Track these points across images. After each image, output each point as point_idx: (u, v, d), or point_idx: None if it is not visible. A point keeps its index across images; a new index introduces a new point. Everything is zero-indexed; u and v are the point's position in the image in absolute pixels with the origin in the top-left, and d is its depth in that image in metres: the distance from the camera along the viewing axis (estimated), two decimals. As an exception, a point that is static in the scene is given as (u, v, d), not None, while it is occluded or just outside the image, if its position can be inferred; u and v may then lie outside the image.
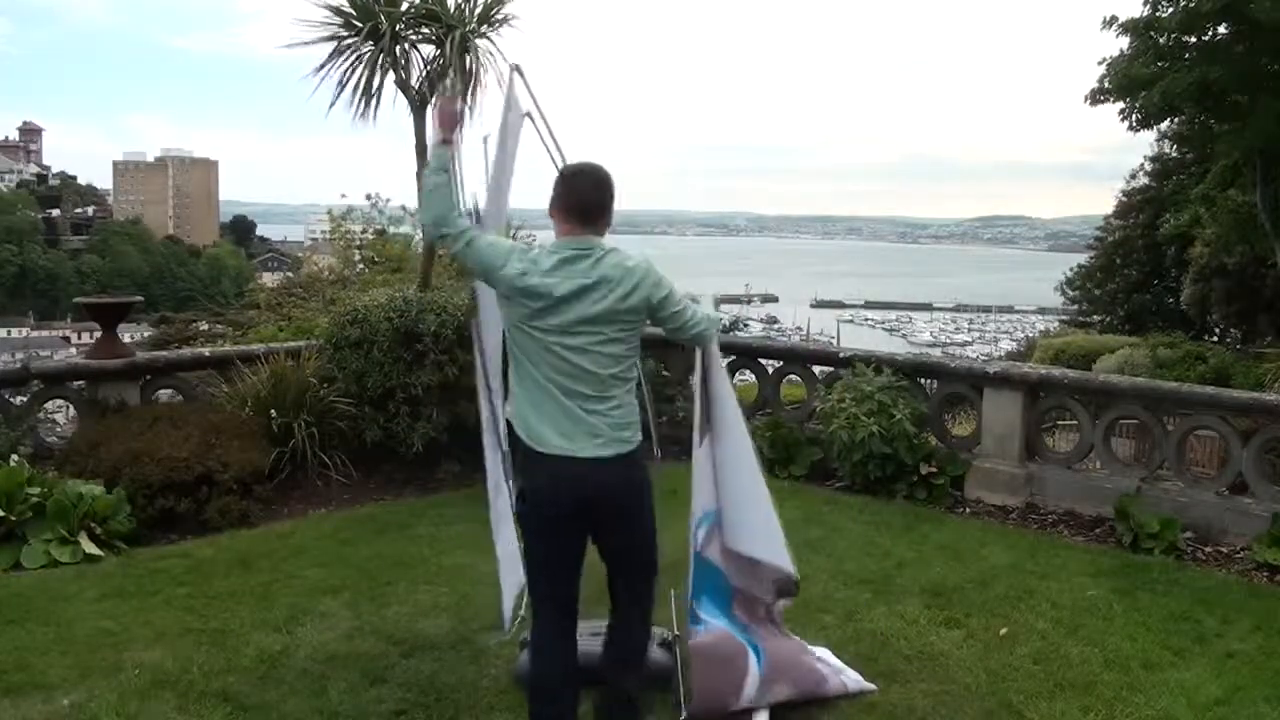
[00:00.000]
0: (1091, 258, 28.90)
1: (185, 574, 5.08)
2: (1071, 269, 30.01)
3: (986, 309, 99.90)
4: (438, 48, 6.78)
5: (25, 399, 6.67)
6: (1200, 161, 18.74)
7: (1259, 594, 5.15)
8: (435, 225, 3.28)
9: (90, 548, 5.27)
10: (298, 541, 5.63)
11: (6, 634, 4.34)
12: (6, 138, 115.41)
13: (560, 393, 3.09)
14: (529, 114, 3.76)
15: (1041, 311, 69.82)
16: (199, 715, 3.68)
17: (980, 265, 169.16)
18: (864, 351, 7.56)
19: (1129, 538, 5.82)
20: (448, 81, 3.28)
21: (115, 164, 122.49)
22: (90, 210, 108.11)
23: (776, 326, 74.06)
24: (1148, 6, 14.28)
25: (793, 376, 8.09)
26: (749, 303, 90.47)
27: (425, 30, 6.81)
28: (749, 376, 8.16)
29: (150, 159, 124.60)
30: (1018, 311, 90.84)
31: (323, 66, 6.67)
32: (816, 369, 7.83)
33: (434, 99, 3.43)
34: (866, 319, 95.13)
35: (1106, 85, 14.85)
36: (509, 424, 3.33)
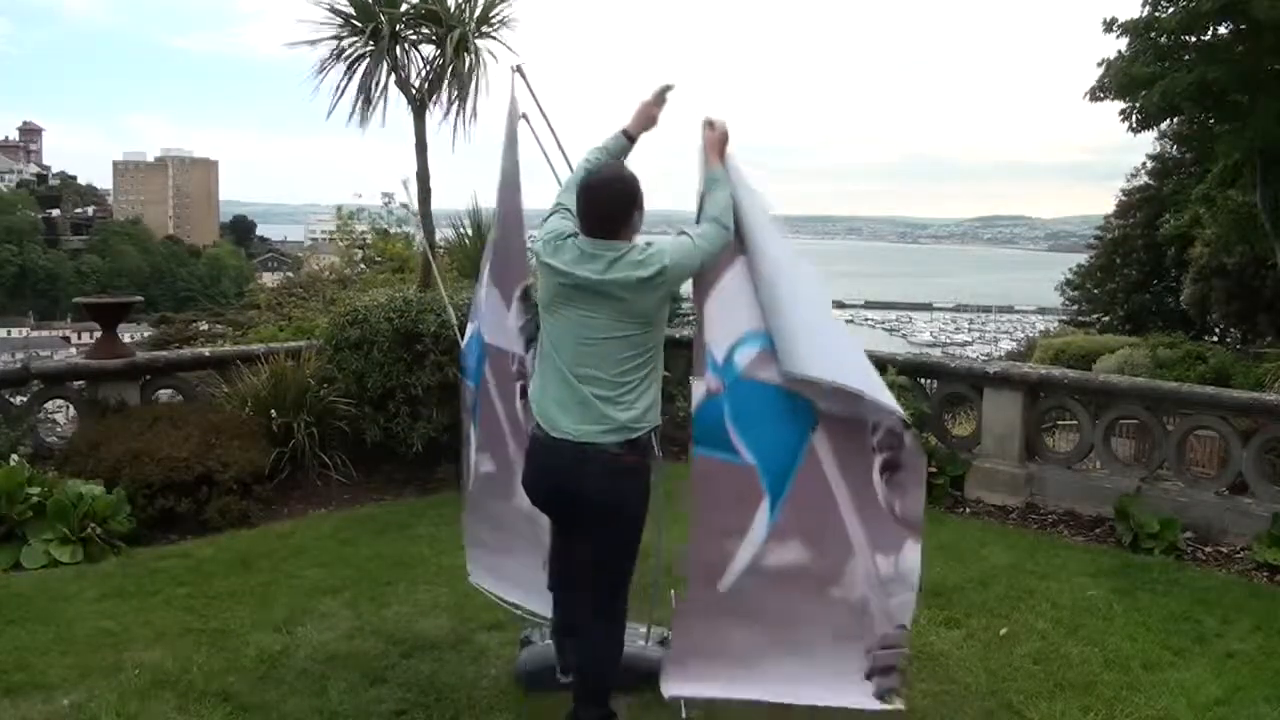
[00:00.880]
0: (1091, 258, 28.93)
1: (185, 574, 5.08)
2: (1071, 269, 30.04)
3: (986, 309, 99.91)
4: (438, 48, 6.79)
5: (25, 399, 6.67)
6: (1200, 161, 18.75)
7: (1259, 594, 5.15)
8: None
9: (90, 548, 5.27)
10: (298, 541, 5.63)
11: (6, 634, 4.33)
12: (6, 138, 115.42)
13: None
14: (525, 115, 3.76)
15: (1041, 311, 69.85)
16: (199, 715, 3.68)
17: (980, 265, 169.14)
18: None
19: (1129, 538, 5.82)
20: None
21: (115, 164, 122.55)
22: (90, 210, 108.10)
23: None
24: (1147, 7, 14.29)
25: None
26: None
27: (425, 30, 6.82)
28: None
29: (150, 159, 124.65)
30: (1018, 311, 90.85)
31: (323, 67, 6.68)
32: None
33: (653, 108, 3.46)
34: (866, 319, 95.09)
35: (1107, 83, 14.85)
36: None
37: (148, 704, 3.74)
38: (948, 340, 73.17)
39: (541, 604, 3.84)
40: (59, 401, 7.13)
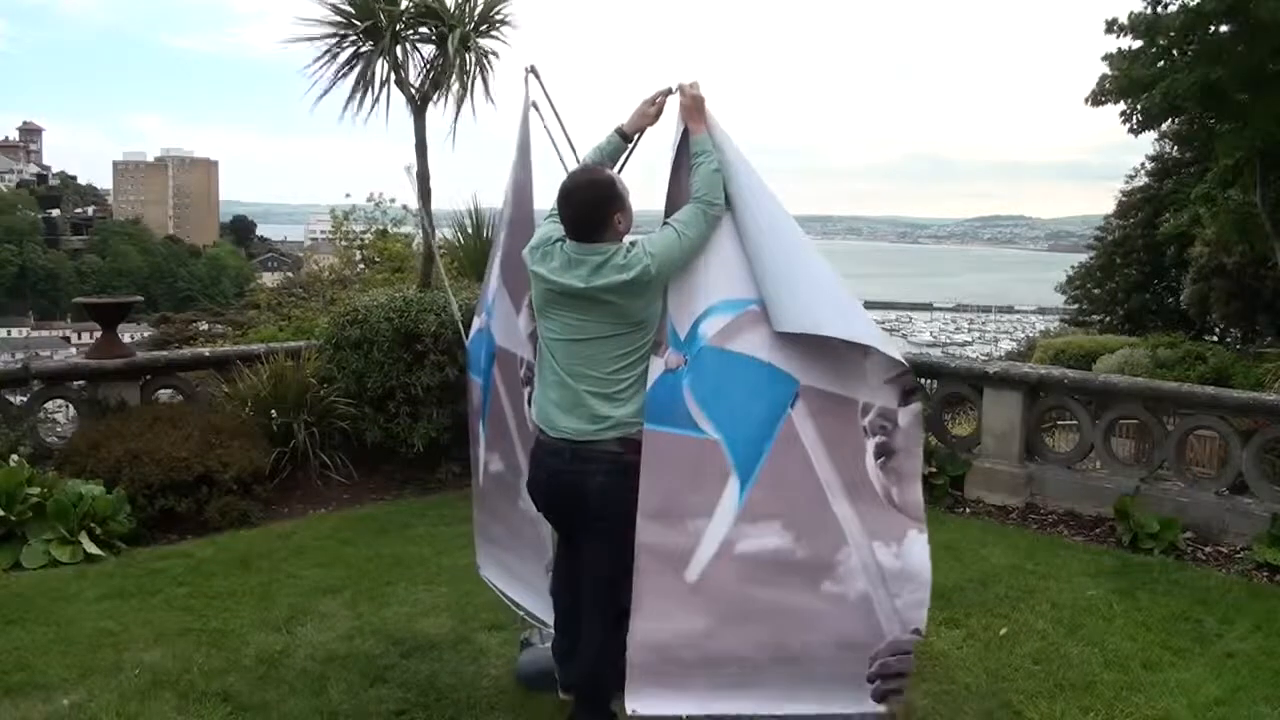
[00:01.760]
0: (1091, 258, 28.91)
1: (185, 574, 5.08)
2: (1071, 269, 30.01)
3: (986, 309, 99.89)
4: (437, 47, 6.79)
5: (25, 399, 6.67)
6: (1200, 161, 18.75)
7: (1259, 594, 5.15)
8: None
9: (90, 548, 5.27)
10: (298, 541, 5.63)
11: (6, 634, 4.33)
12: (6, 138, 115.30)
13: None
14: (535, 104, 3.73)
15: (1041, 311, 69.84)
16: (199, 715, 3.68)
17: (980, 265, 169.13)
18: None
19: (1129, 538, 5.82)
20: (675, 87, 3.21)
21: (115, 164, 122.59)
22: (90, 210, 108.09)
23: (777, 326, 73.95)
24: (1148, 6, 14.29)
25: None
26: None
27: (425, 30, 6.82)
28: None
29: (150, 159, 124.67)
30: (1018, 311, 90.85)
31: (322, 66, 6.68)
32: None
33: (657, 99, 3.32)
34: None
35: (1108, 86, 14.85)
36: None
37: (148, 704, 3.74)
38: (948, 340, 73.19)
39: (544, 608, 3.84)
40: (59, 401, 7.13)
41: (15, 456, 5.77)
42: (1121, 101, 14.93)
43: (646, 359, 3.17)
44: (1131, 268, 26.03)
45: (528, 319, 3.76)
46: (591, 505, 3.21)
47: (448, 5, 6.78)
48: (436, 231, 7.66)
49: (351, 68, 6.67)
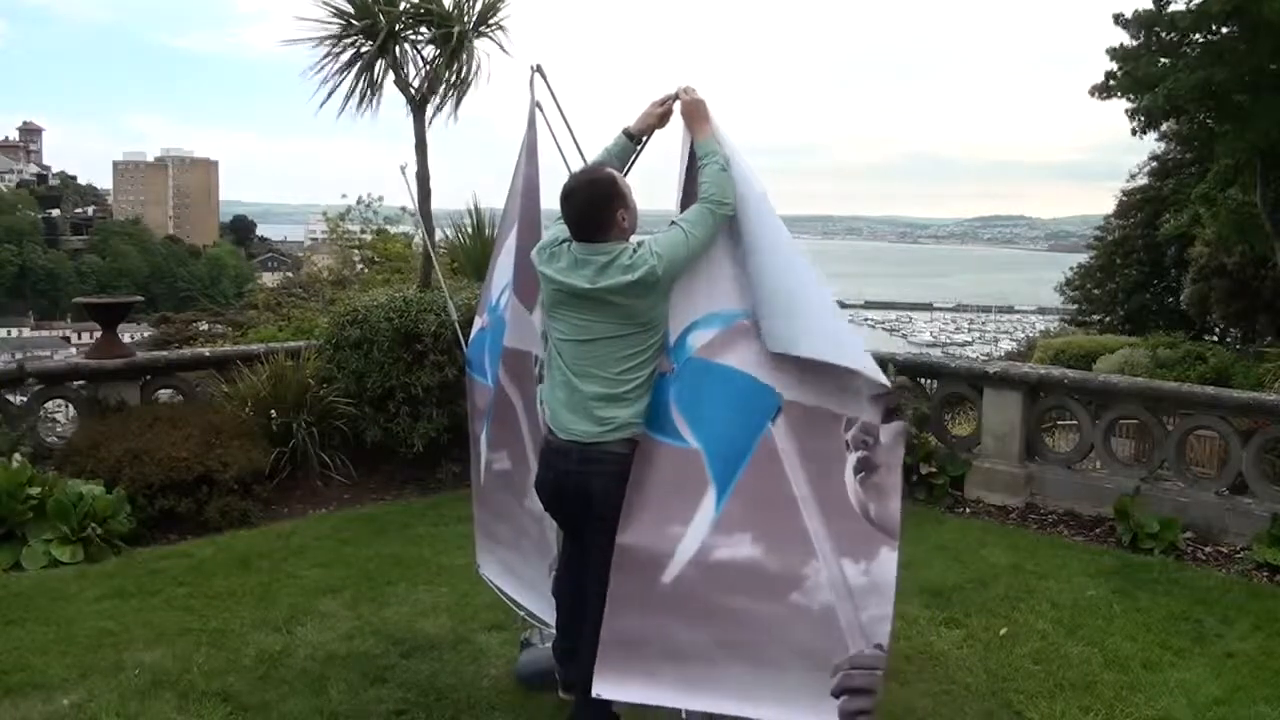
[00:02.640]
0: (1091, 258, 28.89)
1: (185, 574, 5.08)
2: (1071, 269, 29.99)
3: (986, 309, 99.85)
4: (436, 47, 6.79)
5: (25, 399, 6.67)
6: (1200, 161, 18.74)
7: (1259, 594, 5.15)
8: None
9: (90, 548, 5.27)
10: (298, 541, 5.63)
11: (6, 634, 4.34)
12: (6, 138, 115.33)
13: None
14: (539, 104, 3.73)
15: (1041, 311, 69.80)
16: (199, 715, 3.68)
17: (980, 265, 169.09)
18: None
19: (1129, 538, 5.83)
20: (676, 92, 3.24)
21: (115, 164, 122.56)
22: (90, 210, 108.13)
23: (777, 326, 73.92)
24: (1152, 4, 14.28)
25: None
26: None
27: (424, 30, 6.82)
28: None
29: (150, 159, 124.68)
30: (1018, 311, 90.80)
31: (321, 66, 6.68)
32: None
33: (675, 96, 3.30)
34: (866, 319, 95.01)
35: (1112, 83, 14.84)
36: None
37: (148, 704, 3.74)
38: (948, 340, 73.15)
39: (545, 608, 3.84)
40: (59, 401, 7.13)
41: (16, 456, 5.77)
42: (1127, 98, 14.91)
43: (654, 360, 3.18)
44: (1131, 268, 26.02)
45: (540, 317, 3.77)
46: (597, 505, 3.21)
47: (446, 5, 6.79)
48: (436, 231, 7.65)
49: (351, 68, 6.68)
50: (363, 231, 14.21)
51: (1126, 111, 15.07)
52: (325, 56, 6.66)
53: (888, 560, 2.98)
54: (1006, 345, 48.28)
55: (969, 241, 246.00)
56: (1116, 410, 6.55)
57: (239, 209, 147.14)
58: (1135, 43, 14.52)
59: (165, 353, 8.57)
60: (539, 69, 3.73)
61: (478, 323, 4.09)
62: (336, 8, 6.69)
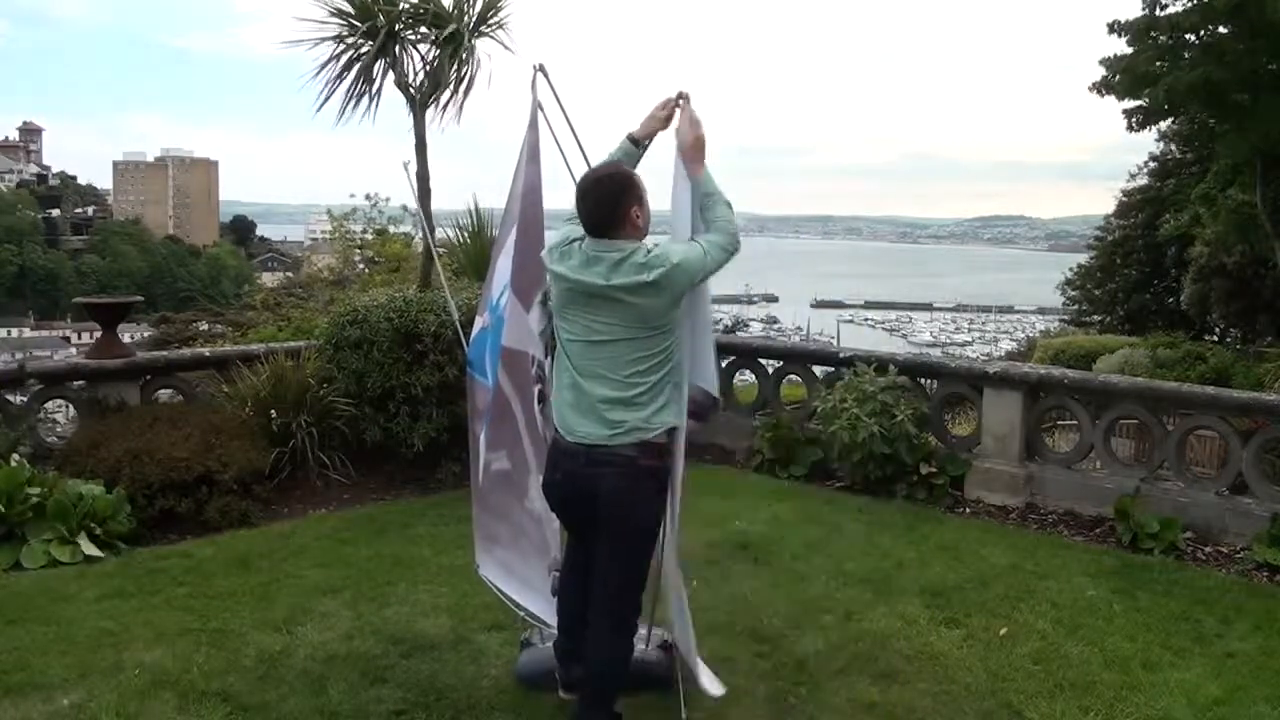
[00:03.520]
0: (1091, 258, 28.89)
1: (185, 574, 5.08)
2: (1071, 269, 29.99)
3: (986, 309, 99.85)
4: (436, 47, 6.79)
5: (25, 399, 6.67)
6: (1200, 161, 18.75)
7: (1259, 594, 5.15)
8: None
9: (90, 548, 5.27)
10: (298, 541, 5.63)
11: (6, 634, 4.33)
12: (6, 138, 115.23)
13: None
14: (540, 105, 3.73)
15: (1041, 311, 69.84)
16: (199, 715, 3.68)
17: (980, 265, 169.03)
18: (864, 351, 7.57)
19: (1129, 538, 5.82)
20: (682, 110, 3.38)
21: (115, 164, 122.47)
22: (90, 210, 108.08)
23: (776, 326, 74.18)
24: (1146, 8, 14.28)
25: (793, 377, 8.08)
26: (749, 303, 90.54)
27: (424, 30, 6.82)
28: (749, 376, 8.16)
29: (150, 159, 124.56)
30: (1018, 311, 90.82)
31: (322, 66, 6.68)
32: (817, 369, 7.83)
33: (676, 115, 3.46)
34: (866, 319, 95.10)
35: (1111, 83, 14.85)
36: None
37: (148, 704, 3.74)
38: (948, 340, 73.16)
39: (544, 608, 3.84)
40: (59, 401, 7.13)
41: (15, 456, 5.77)
42: (1124, 97, 14.91)
43: (664, 366, 3.20)
44: (1131, 268, 26.02)
45: (539, 317, 3.78)
46: (603, 508, 3.21)
47: (446, 5, 6.79)
48: (436, 230, 7.65)
49: (350, 68, 6.68)
50: (364, 231, 14.21)
51: (1125, 111, 15.10)
52: (326, 58, 6.67)
53: None
54: (1006, 345, 48.31)
55: (969, 241, 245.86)
56: (1116, 410, 6.55)
57: (239, 209, 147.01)
58: (1130, 50, 14.51)
59: (165, 353, 8.57)
60: (541, 69, 3.73)
61: (478, 322, 4.09)
62: (336, 8, 6.69)
